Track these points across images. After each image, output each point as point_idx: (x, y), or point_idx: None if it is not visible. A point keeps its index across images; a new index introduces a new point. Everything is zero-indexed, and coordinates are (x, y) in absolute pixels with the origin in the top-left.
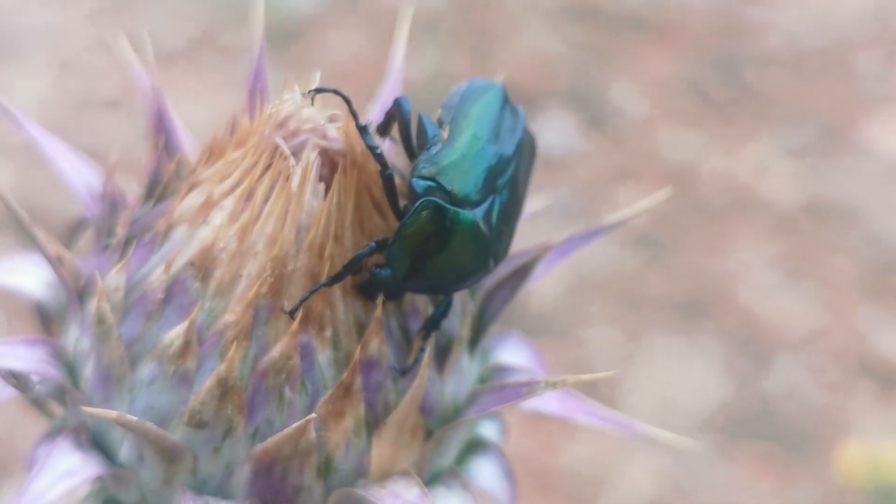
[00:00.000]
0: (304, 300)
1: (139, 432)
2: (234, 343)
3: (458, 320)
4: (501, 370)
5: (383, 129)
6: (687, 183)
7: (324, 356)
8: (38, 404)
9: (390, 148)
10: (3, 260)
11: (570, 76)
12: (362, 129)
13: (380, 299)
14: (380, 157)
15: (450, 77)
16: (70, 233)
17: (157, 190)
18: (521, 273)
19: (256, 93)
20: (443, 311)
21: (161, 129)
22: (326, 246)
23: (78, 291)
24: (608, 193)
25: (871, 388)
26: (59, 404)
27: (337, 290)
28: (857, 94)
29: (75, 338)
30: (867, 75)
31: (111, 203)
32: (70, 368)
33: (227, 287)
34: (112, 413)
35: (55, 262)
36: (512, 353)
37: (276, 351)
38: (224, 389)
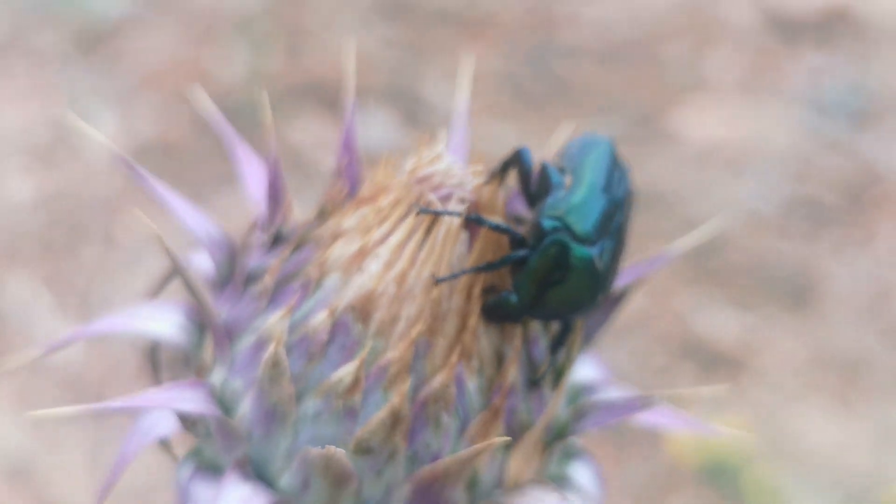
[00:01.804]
0: (457, 276)
1: (328, 464)
2: (399, 378)
3: (570, 345)
4: (587, 387)
5: (502, 173)
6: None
7: (472, 384)
8: (167, 445)
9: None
10: (138, 308)
11: (386, 73)
12: (481, 220)
13: (518, 331)
14: (507, 230)
15: (265, 77)
16: (162, 283)
17: (293, 240)
18: (614, 301)
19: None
20: (567, 331)
21: (279, 185)
22: (475, 287)
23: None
24: None
25: (693, 370)
26: (204, 441)
27: (481, 326)
28: (667, 84)
29: (222, 378)
30: (675, 65)
31: (247, 252)
32: (222, 406)
33: (388, 328)
34: (339, 451)
35: (209, 310)
36: (588, 370)
37: (436, 382)
38: (395, 420)
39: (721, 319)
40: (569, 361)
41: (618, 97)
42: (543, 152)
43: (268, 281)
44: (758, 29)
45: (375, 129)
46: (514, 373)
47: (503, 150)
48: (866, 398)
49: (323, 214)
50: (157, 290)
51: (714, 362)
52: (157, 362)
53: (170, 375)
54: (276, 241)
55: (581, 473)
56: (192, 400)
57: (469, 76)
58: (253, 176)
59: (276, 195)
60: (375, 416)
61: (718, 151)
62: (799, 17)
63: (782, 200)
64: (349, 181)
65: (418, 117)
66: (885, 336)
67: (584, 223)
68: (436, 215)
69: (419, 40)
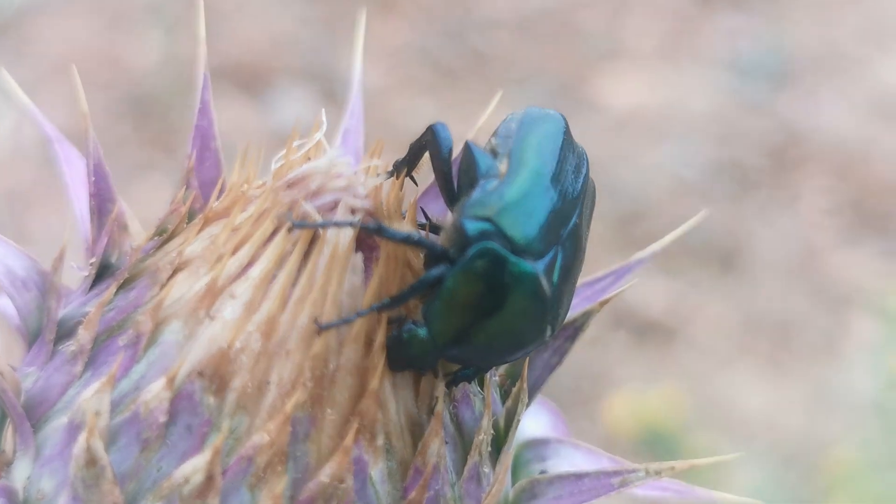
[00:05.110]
0: (350, 321)
1: None
2: (270, 470)
3: (507, 398)
4: (535, 445)
5: (410, 164)
6: None
7: (376, 470)
8: None
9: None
10: None
11: (302, 52)
12: (381, 229)
13: (440, 390)
14: (421, 242)
15: (180, 61)
16: None
17: (120, 275)
18: (571, 334)
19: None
20: (468, 376)
21: (108, 196)
22: (376, 332)
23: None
24: None
25: (626, 339)
26: None
27: (388, 385)
28: (585, 53)
29: (26, 476)
30: (593, 33)
31: (55, 296)
32: None
33: (252, 399)
34: None
35: None
36: (533, 420)
37: (324, 475)
38: None
39: (650, 287)
40: (513, 425)
41: (536, 67)
42: (468, 130)
43: (83, 337)
44: None
45: (292, 107)
46: (435, 448)
47: (421, 126)
48: (797, 360)
49: (163, 233)
50: None
51: (645, 331)
52: None
53: None
54: (103, 272)
55: None
56: None
57: (362, 34)
58: (79, 185)
59: (100, 207)
60: None
61: (639, 118)
62: None
63: (705, 165)
64: (203, 185)
65: (336, 95)
66: (814, 296)
67: (524, 226)
68: (317, 230)
69: (334, 18)
